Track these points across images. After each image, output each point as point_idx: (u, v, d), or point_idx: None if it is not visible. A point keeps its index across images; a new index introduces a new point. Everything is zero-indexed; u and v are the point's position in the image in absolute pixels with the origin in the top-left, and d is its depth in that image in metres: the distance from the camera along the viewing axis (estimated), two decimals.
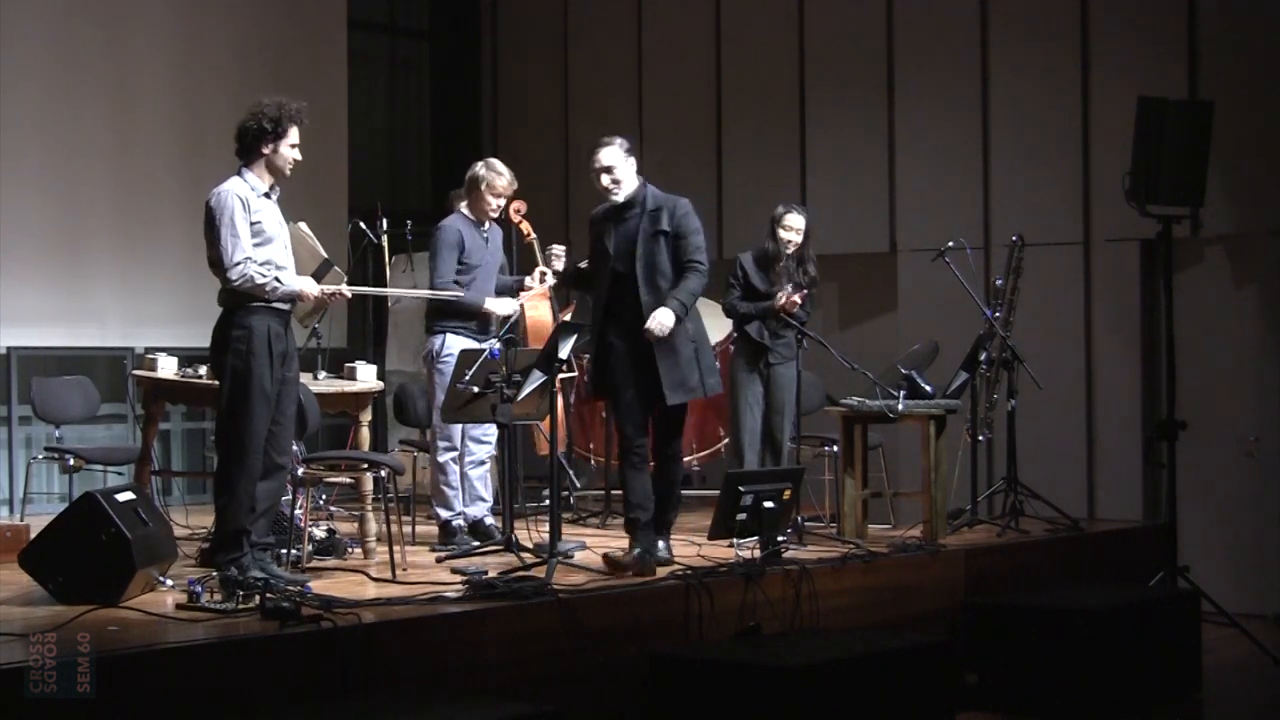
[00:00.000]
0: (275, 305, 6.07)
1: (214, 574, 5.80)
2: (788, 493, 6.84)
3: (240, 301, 6.01)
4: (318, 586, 5.96)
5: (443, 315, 7.55)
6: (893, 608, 6.95)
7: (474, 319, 7.57)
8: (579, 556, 6.81)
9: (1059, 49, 9.89)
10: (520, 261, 8.35)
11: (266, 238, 6.07)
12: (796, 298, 7.87)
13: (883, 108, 10.54)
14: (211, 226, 6.01)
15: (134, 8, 10.16)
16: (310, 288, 6.22)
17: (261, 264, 6.00)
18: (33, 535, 6.13)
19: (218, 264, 6.02)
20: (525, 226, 8.38)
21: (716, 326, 9.13)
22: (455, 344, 7.32)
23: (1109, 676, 6.85)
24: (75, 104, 9.83)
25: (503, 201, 7.69)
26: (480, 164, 7.67)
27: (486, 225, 7.72)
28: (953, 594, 7.24)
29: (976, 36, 10.20)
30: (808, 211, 8.23)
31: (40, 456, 8.56)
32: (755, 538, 6.68)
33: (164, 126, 10.18)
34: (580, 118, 11.90)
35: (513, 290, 7.82)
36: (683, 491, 10.06)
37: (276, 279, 6.02)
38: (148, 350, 8.02)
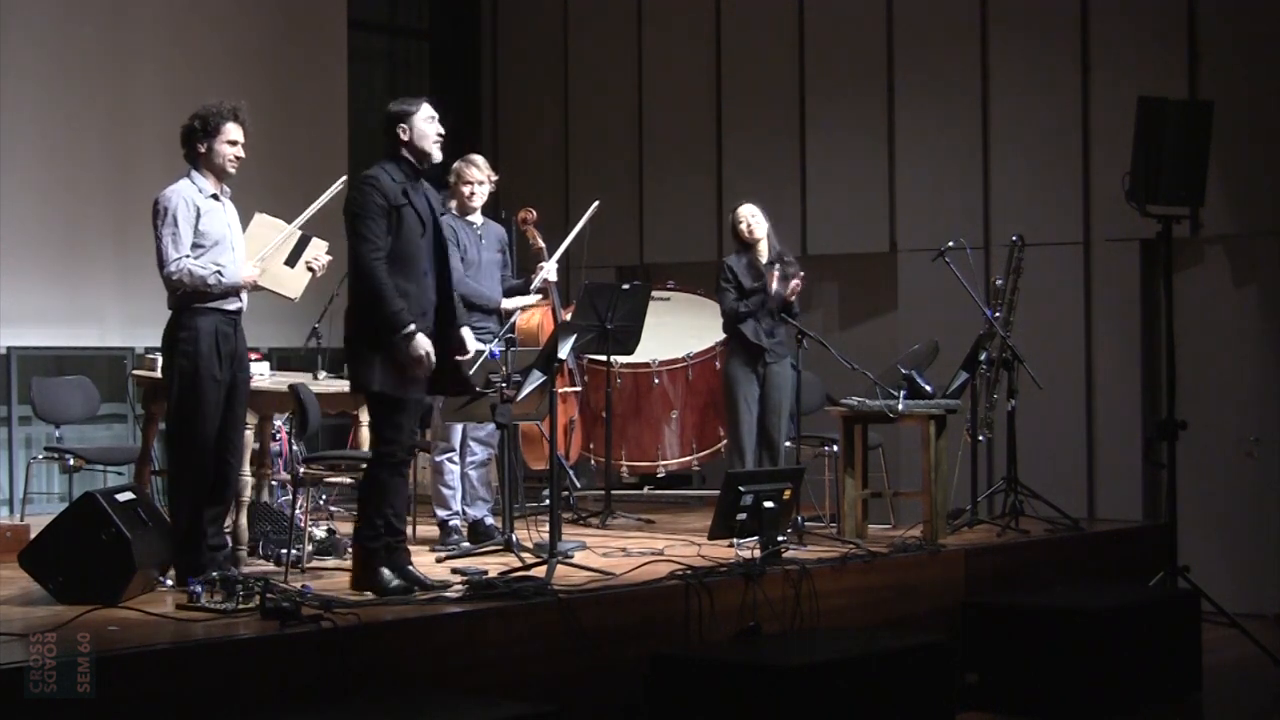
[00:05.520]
0: (223, 307, 6.11)
1: (214, 574, 5.80)
2: (788, 493, 6.85)
3: (187, 303, 6.06)
4: (318, 586, 5.96)
5: None
6: (893, 608, 6.95)
7: (489, 314, 7.59)
8: (579, 556, 6.81)
9: (1059, 49, 9.89)
10: (529, 268, 8.31)
11: (212, 240, 6.10)
12: (795, 282, 7.92)
13: (882, 108, 10.54)
14: (154, 225, 6.05)
15: (133, 8, 10.16)
16: (250, 273, 6.23)
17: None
18: (33, 535, 6.13)
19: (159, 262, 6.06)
20: (532, 234, 8.36)
21: (713, 326, 9.14)
22: None
23: (1109, 676, 6.85)
24: (75, 104, 9.83)
25: (477, 188, 7.66)
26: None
27: (479, 222, 7.73)
28: (953, 594, 7.23)
29: (976, 37, 10.20)
30: (758, 202, 8.29)
31: (40, 456, 8.57)
32: (755, 538, 6.68)
33: (163, 126, 10.02)
34: (580, 118, 11.90)
35: (522, 292, 7.83)
36: (683, 491, 10.18)
37: (218, 271, 6.04)
38: (148, 350, 8.02)
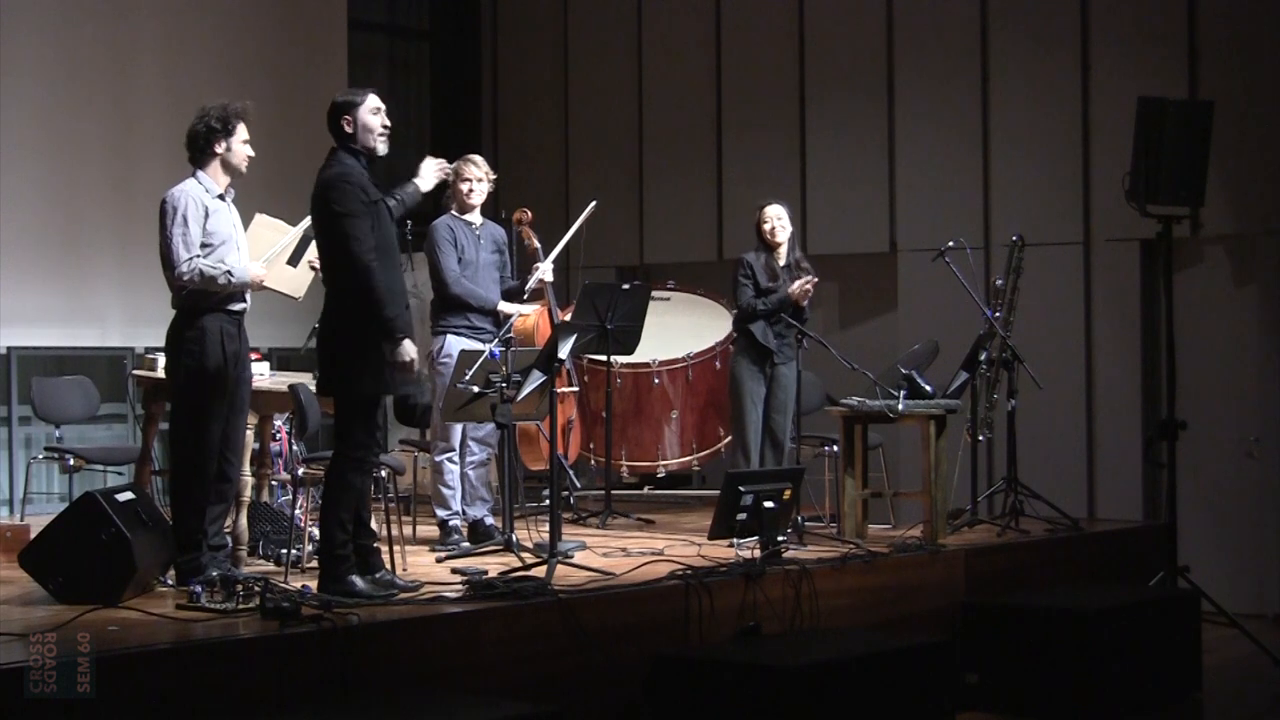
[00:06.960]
0: (228, 307, 6.13)
1: (214, 574, 5.80)
2: (788, 493, 6.84)
3: (193, 303, 6.07)
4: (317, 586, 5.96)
5: (447, 315, 7.57)
6: (893, 608, 6.95)
7: (486, 315, 7.58)
8: (579, 556, 6.81)
9: (1059, 49, 9.89)
10: (525, 269, 8.31)
11: (220, 240, 6.11)
12: (809, 286, 7.91)
13: (882, 107, 10.54)
14: (162, 224, 6.05)
15: (133, 9, 10.16)
16: (258, 273, 6.24)
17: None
18: (33, 535, 6.13)
19: (167, 262, 6.06)
20: (528, 234, 8.37)
21: (713, 326, 9.14)
22: (455, 345, 7.33)
23: (1109, 676, 6.85)
24: (75, 104, 9.83)
25: (475, 185, 7.66)
26: None
27: (478, 222, 7.73)
28: (953, 594, 7.24)
29: (976, 37, 10.20)
30: (785, 204, 8.26)
31: (40, 456, 8.56)
32: (755, 538, 6.68)
33: (163, 126, 10.13)
34: (580, 117, 11.90)
35: (520, 292, 7.82)
36: (683, 491, 10.18)
37: (228, 271, 6.06)
38: (148, 350, 8.01)
